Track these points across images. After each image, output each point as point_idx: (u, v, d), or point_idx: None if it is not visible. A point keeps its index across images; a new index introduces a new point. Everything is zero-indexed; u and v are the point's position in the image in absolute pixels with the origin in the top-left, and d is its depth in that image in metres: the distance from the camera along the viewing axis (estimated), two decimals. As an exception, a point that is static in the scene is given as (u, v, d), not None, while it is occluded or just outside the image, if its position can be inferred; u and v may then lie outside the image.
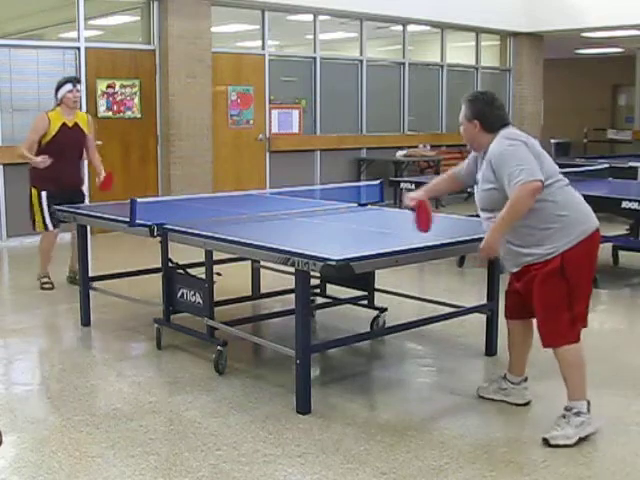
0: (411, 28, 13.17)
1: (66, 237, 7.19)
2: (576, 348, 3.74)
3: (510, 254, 3.86)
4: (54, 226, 6.65)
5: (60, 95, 6.68)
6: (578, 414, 3.70)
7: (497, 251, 3.83)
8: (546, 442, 3.66)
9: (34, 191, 6.64)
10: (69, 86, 6.66)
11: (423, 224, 4.11)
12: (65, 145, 6.62)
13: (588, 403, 3.74)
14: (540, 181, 3.59)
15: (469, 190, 8.65)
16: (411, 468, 3.44)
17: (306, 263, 3.79)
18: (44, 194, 6.60)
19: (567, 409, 3.73)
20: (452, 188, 4.44)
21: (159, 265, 5.07)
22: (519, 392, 4.15)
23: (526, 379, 4.17)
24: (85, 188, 7.01)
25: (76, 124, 6.72)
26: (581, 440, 3.67)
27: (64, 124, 6.63)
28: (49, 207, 6.51)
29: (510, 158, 3.66)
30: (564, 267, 3.66)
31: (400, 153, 12.40)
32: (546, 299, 3.73)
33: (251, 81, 11.13)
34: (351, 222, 5.28)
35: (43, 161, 6.43)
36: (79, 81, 6.84)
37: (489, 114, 3.88)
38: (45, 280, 6.78)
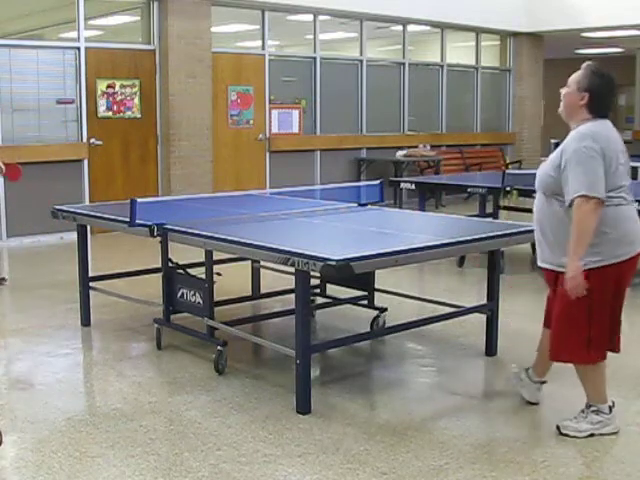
0: (411, 28, 13.17)
1: (67, 237, 7.20)
2: (593, 369, 3.74)
3: (541, 245, 3.75)
4: None
5: None
6: (597, 413, 3.75)
7: (582, 282, 3.52)
8: (558, 429, 3.75)
9: None
10: None
11: None
12: None
13: (612, 405, 3.77)
14: (599, 198, 3.43)
15: (469, 190, 8.69)
16: (411, 468, 3.44)
17: (306, 263, 3.79)
18: None
19: (587, 406, 3.78)
20: None
21: (159, 265, 5.07)
22: (532, 389, 4.13)
23: (544, 382, 4.13)
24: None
25: None
26: (592, 436, 3.73)
27: None
28: None
29: (578, 162, 3.48)
30: (589, 285, 3.52)
31: (400, 153, 12.40)
32: (564, 312, 3.65)
33: (251, 81, 11.13)
34: (351, 222, 5.28)
35: None
36: None
37: (603, 96, 3.61)
38: None
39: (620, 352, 3.89)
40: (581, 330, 3.62)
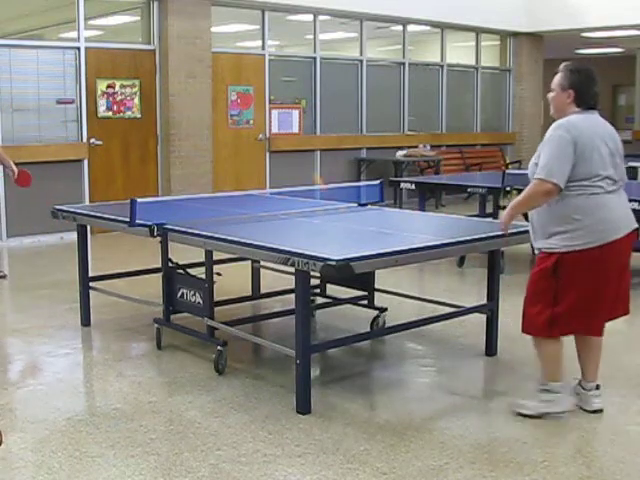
0: (411, 28, 13.17)
1: (67, 237, 7.20)
2: (552, 344, 3.89)
3: (532, 228, 3.98)
4: None
5: None
6: (547, 392, 3.91)
7: (506, 228, 4.03)
8: (513, 409, 4.00)
9: None
10: None
11: None
12: None
13: (563, 385, 3.93)
14: (553, 184, 3.66)
15: (469, 190, 8.69)
16: (411, 468, 3.44)
17: (306, 263, 3.79)
18: None
19: (540, 385, 3.97)
20: None
21: (159, 265, 5.07)
22: (588, 399, 4.05)
23: (598, 387, 4.05)
24: None
25: None
26: (546, 415, 3.91)
27: None
28: None
29: (548, 148, 3.74)
30: (557, 267, 3.76)
31: (400, 153, 12.40)
32: (532, 289, 3.91)
33: (251, 81, 11.13)
34: (351, 222, 5.28)
35: None
36: None
37: (586, 89, 3.84)
38: None
39: (600, 336, 3.98)
40: (545, 307, 3.82)
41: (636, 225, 3.91)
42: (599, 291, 3.81)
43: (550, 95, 3.94)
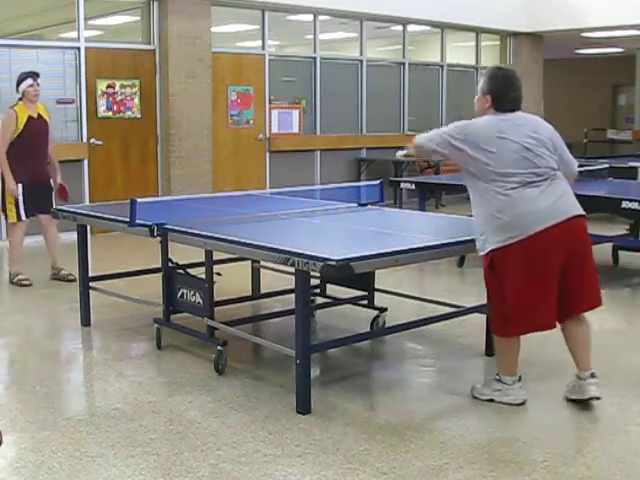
0: (411, 28, 13.17)
1: (67, 237, 7.20)
2: (508, 342, 4.05)
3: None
4: (27, 216, 6.84)
5: (21, 89, 6.87)
6: (498, 382, 4.13)
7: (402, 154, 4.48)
8: (471, 391, 4.24)
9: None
10: (30, 81, 6.86)
11: None
12: (34, 137, 6.83)
13: (519, 379, 4.11)
14: (424, 147, 4.18)
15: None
16: (411, 468, 3.44)
17: (306, 263, 3.79)
18: (20, 187, 6.77)
19: (495, 374, 4.18)
20: None
21: (159, 265, 5.07)
22: (584, 387, 4.05)
23: (593, 375, 4.05)
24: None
25: (40, 115, 6.95)
26: (491, 401, 4.10)
27: (30, 116, 6.83)
28: (24, 198, 6.77)
29: (444, 128, 4.09)
30: (493, 264, 3.93)
31: (400, 153, 12.37)
32: (487, 288, 4.09)
33: (251, 81, 11.13)
34: (351, 222, 5.28)
35: (13, 191, 6.72)
36: (39, 75, 6.97)
37: (503, 93, 4.01)
38: (22, 277, 6.85)
39: (552, 328, 4.01)
40: (496, 306, 4.02)
41: (574, 213, 3.94)
42: (536, 285, 3.87)
43: (475, 99, 4.14)
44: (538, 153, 3.91)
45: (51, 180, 7.05)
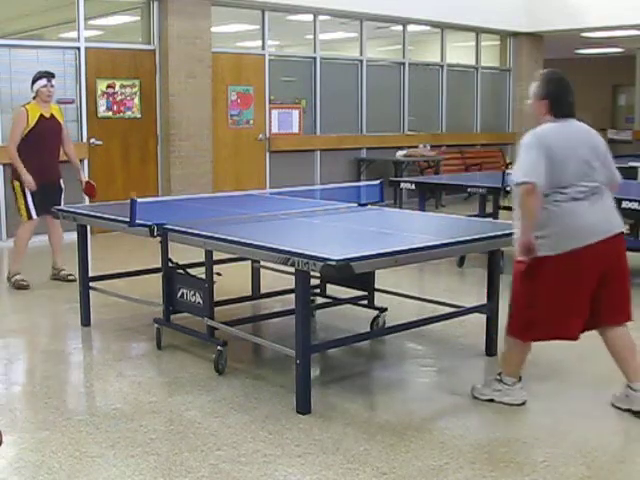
0: (411, 28, 13.17)
1: (67, 237, 7.19)
2: (521, 347, 4.02)
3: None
4: (38, 215, 6.83)
5: (35, 89, 6.86)
6: (500, 382, 4.11)
7: (530, 251, 3.82)
8: (471, 391, 4.22)
9: (17, 183, 6.80)
10: (44, 81, 6.85)
11: None
12: (44, 136, 6.80)
13: (519, 380, 4.10)
14: (532, 184, 3.68)
15: (469, 190, 8.68)
16: (411, 468, 3.44)
17: (306, 263, 3.79)
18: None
19: (496, 373, 4.16)
20: None
21: (159, 265, 5.07)
22: (637, 399, 3.97)
23: None
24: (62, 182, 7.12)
25: (52, 115, 6.93)
26: (491, 401, 4.10)
27: (42, 115, 6.81)
28: (33, 198, 6.76)
29: (520, 155, 3.79)
30: (530, 272, 3.85)
31: (400, 153, 12.40)
32: (515, 290, 3.98)
33: (251, 81, 11.13)
34: (351, 222, 5.28)
35: (30, 183, 6.68)
36: (54, 76, 6.96)
37: (560, 98, 3.90)
38: (19, 277, 6.82)
39: (574, 339, 3.96)
40: (522, 310, 3.93)
41: (620, 229, 3.91)
42: (570, 297, 3.83)
43: (528, 103, 4.03)
44: (594, 166, 3.84)
45: (61, 180, 7.02)
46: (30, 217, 6.82)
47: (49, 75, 6.88)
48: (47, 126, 6.83)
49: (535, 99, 3.94)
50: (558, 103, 3.89)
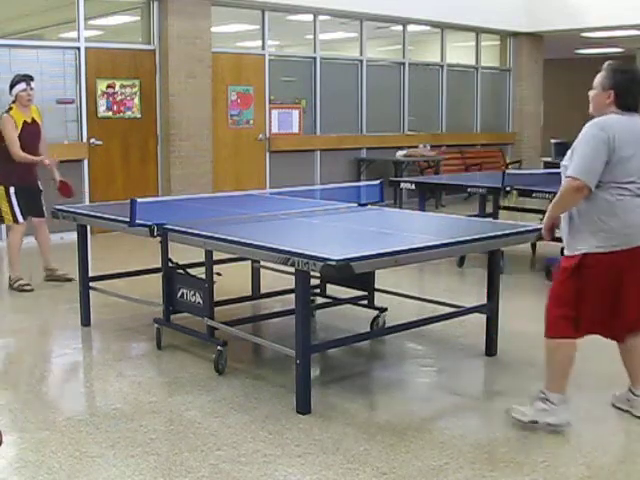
0: (411, 28, 13.17)
1: (67, 237, 7.20)
2: (567, 346, 3.76)
3: (563, 234, 3.85)
4: (24, 218, 6.80)
5: (14, 93, 6.80)
6: (544, 400, 3.78)
7: (549, 233, 3.86)
8: (509, 412, 3.89)
9: (1, 188, 6.74)
10: (23, 85, 6.78)
11: None
12: (28, 142, 6.76)
13: (563, 398, 3.77)
14: (584, 184, 3.56)
15: (469, 190, 8.67)
16: (411, 468, 3.44)
17: (306, 263, 3.79)
18: (12, 189, 6.73)
19: (539, 392, 3.83)
20: None
21: (159, 265, 5.07)
22: (635, 403, 3.97)
23: None
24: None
25: (33, 119, 6.88)
26: (535, 423, 3.79)
27: (25, 122, 6.78)
28: (18, 201, 6.73)
29: (581, 146, 3.63)
30: (580, 268, 3.67)
31: (400, 153, 12.40)
32: (556, 289, 3.79)
33: (251, 81, 11.13)
34: (351, 222, 5.28)
35: (51, 161, 6.76)
36: (33, 79, 6.90)
37: (628, 90, 3.72)
38: (23, 282, 6.77)
39: (621, 342, 3.89)
40: (568, 309, 3.71)
41: None
42: (621, 295, 3.72)
43: (591, 93, 3.82)
44: None
45: (39, 182, 6.95)
46: (16, 220, 6.77)
47: (28, 78, 6.82)
48: (30, 132, 6.79)
49: (599, 88, 3.76)
50: (623, 95, 3.70)
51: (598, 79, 3.78)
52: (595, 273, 3.68)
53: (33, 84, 6.88)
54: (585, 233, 3.68)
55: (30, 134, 6.79)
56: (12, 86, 6.80)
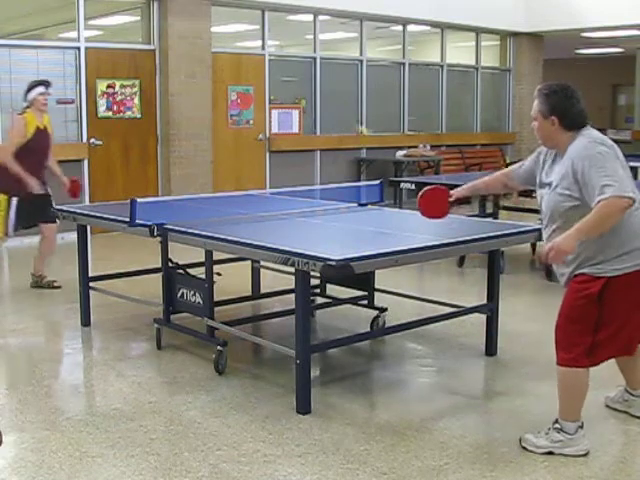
0: (411, 28, 13.17)
1: (67, 237, 7.20)
2: (582, 376, 3.54)
3: (564, 264, 3.54)
4: (15, 230, 6.67)
5: (31, 97, 6.65)
6: (559, 431, 3.58)
7: (566, 258, 3.42)
8: (520, 440, 3.66)
9: (2, 197, 6.58)
10: (41, 88, 6.68)
11: (429, 211, 4.17)
12: (38, 149, 6.65)
13: (581, 426, 3.59)
14: (630, 198, 3.25)
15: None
16: (411, 468, 3.44)
17: (306, 263, 3.79)
18: (14, 200, 6.57)
19: (553, 422, 3.63)
20: (504, 189, 4.29)
21: (159, 265, 5.07)
22: (638, 404, 3.94)
23: None
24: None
25: (45, 127, 6.77)
26: (550, 454, 3.57)
27: (38, 128, 6.64)
28: (19, 213, 6.56)
29: (600, 166, 3.31)
30: (604, 292, 3.43)
31: (400, 153, 12.40)
32: (573, 315, 3.51)
33: (251, 81, 11.13)
34: (351, 222, 5.28)
35: (36, 185, 6.49)
36: (50, 84, 6.84)
37: (570, 109, 3.48)
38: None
39: (633, 354, 3.77)
40: (586, 335, 3.47)
41: None
42: (635, 314, 3.54)
43: (534, 125, 3.58)
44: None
45: (48, 188, 6.80)
46: (6, 232, 6.61)
47: (46, 83, 6.75)
48: (41, 138, 6.65)
49: (541, 119, 3.52)
50: (568, 115, 3.48)
51: (535, 108, 3.54)
52: (621, 295, 3.44)
53: (51, 90, 6.80)
54: (609, 255, 3.42)
55: (41, 141, 6.66)
56: (29, 90, 6.67)
